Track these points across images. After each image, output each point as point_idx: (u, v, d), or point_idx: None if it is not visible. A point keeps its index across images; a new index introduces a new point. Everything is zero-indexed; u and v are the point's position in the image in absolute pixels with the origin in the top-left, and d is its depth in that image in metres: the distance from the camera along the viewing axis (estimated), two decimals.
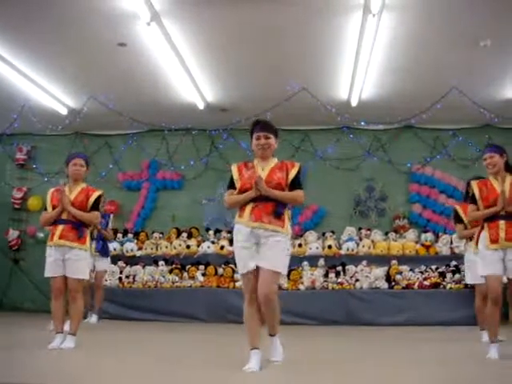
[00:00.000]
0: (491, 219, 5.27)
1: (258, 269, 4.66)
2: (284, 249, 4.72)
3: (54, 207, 5.78)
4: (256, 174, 4.79)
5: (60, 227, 5.71)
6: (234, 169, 4.96)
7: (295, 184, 4.82)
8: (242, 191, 4.81)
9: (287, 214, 4.86)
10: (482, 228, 5.37)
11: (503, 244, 5.17)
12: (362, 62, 8.13)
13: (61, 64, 8.55)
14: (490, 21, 7.13)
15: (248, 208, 4.73)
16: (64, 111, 10.35)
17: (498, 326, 5.22)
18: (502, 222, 5.19)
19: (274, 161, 4.94)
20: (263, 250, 4.66)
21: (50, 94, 9.70)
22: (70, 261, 5.67)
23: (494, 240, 5.20)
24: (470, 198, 5.54)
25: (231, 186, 4.94)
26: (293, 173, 4.83)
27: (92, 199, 5.79)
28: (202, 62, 8.43)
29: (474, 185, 5.45)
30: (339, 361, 5.29)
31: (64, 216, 5.72)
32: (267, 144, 4.85)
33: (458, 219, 6.79)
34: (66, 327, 5.84)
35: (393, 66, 8.44)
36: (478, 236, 5.41)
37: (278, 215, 4.70)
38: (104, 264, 9.12)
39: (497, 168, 5.35)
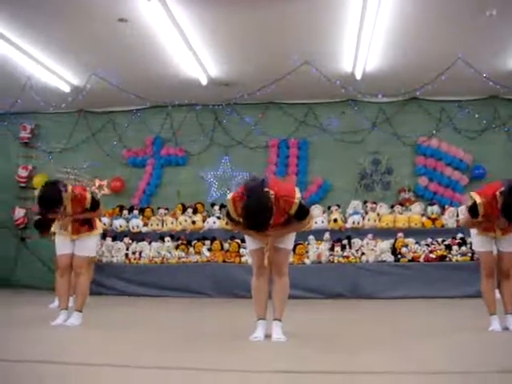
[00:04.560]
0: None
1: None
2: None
3: None
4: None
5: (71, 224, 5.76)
6: (230, 205, 4.60)
7: (299, 218, 4.66)
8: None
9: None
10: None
11: (498, 235, 5.31)
12: (365, 33, 8.02)
13: (62, 41, 8.47)
14: None
15: None
16: (67, 89, 10.30)
17: (495, 298, 5.34)
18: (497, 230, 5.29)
19: None
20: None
21: (52, 72, 9.63)
22: (80, 240, 5.78)
23: (489, 230, 5.31)
24: (472, 209, 5.22)
25: (230, 218, 4.71)
26: (293, 210, 4.56)
27: (87, 205, 5.72)
28: (204, 37, 8.34)
29: (481, 206, 5.11)
30: (343, 334, 5.32)
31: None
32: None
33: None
34: (71, 304, 5.88)
35: (397, 37, 8.32)
36: None
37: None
38: None
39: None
